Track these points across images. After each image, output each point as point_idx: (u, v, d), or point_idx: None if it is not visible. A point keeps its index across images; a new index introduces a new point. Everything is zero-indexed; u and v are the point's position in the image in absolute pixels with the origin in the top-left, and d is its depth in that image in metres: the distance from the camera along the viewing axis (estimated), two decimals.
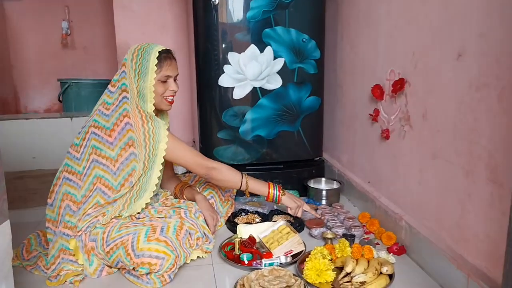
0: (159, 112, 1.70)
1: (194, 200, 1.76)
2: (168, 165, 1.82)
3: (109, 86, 1.59)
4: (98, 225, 1.44)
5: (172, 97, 1.63)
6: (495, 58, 1.14)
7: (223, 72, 2.06)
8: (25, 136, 2.78)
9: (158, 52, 1.54)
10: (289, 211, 1.80)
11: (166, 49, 1.59)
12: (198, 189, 1.87)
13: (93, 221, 1.44)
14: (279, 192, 1.76)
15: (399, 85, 1.62)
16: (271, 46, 2.06)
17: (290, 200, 1.77)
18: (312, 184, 2.18)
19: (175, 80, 1.62)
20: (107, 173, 1.49)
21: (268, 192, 1.74)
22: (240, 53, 2.05)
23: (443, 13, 1.36)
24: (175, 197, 1.83)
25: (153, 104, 1.57)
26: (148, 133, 1.50)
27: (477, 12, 1.20)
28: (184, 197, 1.80)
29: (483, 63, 1.18)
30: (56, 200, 1.53)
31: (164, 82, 1.58)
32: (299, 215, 1.80)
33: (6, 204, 0.93)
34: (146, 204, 1.57)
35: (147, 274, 1.34)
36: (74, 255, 1.45)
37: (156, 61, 1.52)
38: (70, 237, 1.46)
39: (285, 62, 2.10)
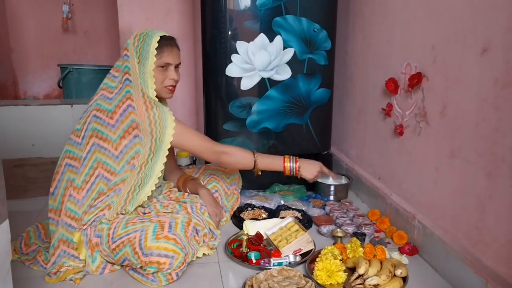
0: (159, 100, 1.65)
1: (197, 194, 1.70)
2: (171, 156, 1.76)
3: (111, 71, 1.54)
4: (104, 219, 1.38)
5: (172, 86, 1.56)
6: None
7: (231, 61, 1.98)
8: (24, 123, 2.72)
9: (160, 37, 1.49)
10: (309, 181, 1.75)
11: (169, 36, 1.54)
12: (202, 182, 1.81)
13: (100, 215, 1.39)
14: (296, 164, 1.68)
15: (416, 80, 1.56)
16: (281, 35, 1.99)
17: (307, 171, 1.70)
18: (320, 179, 2.12)
19: (177, 69, 1.56)
20: (108, 158, 1.44)
21: (284, 167, 1.67)
22: (248, 42, 1.97)
23: (467, 4, 1.29)
24: (179, 190, 1.77)
25: (156, 91, 1.52)
26: (154, 118, 1.45)
27: (506, 3, 1.13)
28: (187, 191, 1.74)
29: (511, 59, 1.12)
30: (59, 188, 1.47)
31: (163, 69, 1.52)
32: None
33: (5, 205, 0.87)
34: (149, 196, 1.51)
35: (154, 273, 1.29)
36: (76, 248, 1.39)
37: (157, 45, 1.47)
38: (75, 229, 1.40)
39: (295, 52, 2.02)
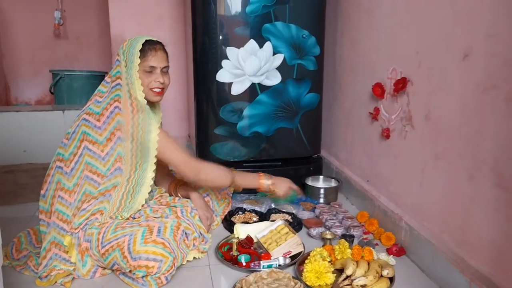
0: (150, 104, 1.67)
1: (189, 198, 1.72)
2: (161, 162, 1.78)
3: (106, 77, 1.58)
4: (96, 223, 1.40)
5: (159, 89, 1.57)
6: (504, 60, 1.11)
7: (221, 67, 2.01)
8: (16, 129, 2.71)
9: (146, 41, 1.53)
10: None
11: (155, 40, 1.57)
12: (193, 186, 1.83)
13: (91, 219, 1.40)
14: (270, 181, 1.75)
15: (401, 84, 1.59)
16: (270, 41, 2.02)
17: (280, 188, 1.78)
18: (310, 182, 2.16)
19: (164, 72, 1.58)
20: (95, 160, 1.46)
21: (260, 183, 1.74)
22: (239, 48, 2.00)
23: (449, 12, 1.33)
24: (170, 195, 1.79)
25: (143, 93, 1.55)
26: (138, 121, 1.47)
27: (486, 12, 1.17)
28: (179, 195, 1.76)
29: (491, 64, 1.16)
30: (49, 190, 1.49)
31: (149, 72, 1.55)
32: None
33: None
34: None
35: (144, 277, 1.30)
36: (67, 251, 1.41)
37: (139, 51, 1.50)
38: (66, 232, 1.42)
39: (284, 58, 2.06)
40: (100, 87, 1.57)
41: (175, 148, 1.56)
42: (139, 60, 1.50)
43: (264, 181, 1.75)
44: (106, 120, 1.47)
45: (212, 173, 1.62)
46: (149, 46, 1.54)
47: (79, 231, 1.40)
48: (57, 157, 1.52)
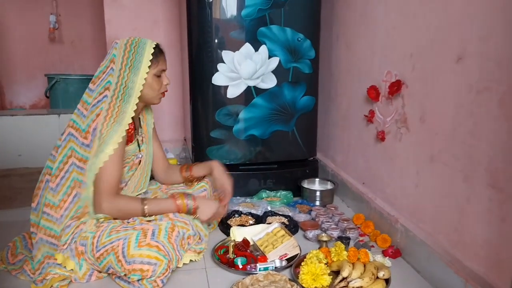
0: (146, 107, 1.71)
1: (208, 173, 1.80)
2: (158, 157, 1.80)
3: (90, 84, 1.53)
4: (83, 233, 1.38)
5: (165, 91, 1.62)
6: (497, 62, 1.12)
7: (217, 70, 2.02)
8: (11, 133, 2.71)
9: (153, 47, 1.52)
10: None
11: (157, 43, 1.57)
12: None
13: (77, 232, 1.39)
14: (194, 203, 1.56)
15: (396, 87, 1.61)
16: (266, 45, 2.03)
17: (203, 213, 1.58)
18: (306, 184, 2.16)
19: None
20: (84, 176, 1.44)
21: (177, 207, 1.53)
22: (234, 52, 2.01)
23: (443, 14, 1.35)
24: (188, 181, 1.81)
25: (146, 99, 1.56)
26: (105, 130, 1.42)
27: (479, 15, 1.18)
28: (193, 177, 1.80)
29: (484, 67, 1.17)
30: (39, 204, 1.48)
31: (159, 77, 1.56)
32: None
33: None
34: None
35: (139, 280, 1.30)
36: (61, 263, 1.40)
37: (151, 56, 1.49)
38: (56, 247, 1.41)
39: (280, 61, 2.06)
40: (84, 96, 1.52)
41: (113, 171, 1.44)
42: (149, 64, 1.49)
43: (181, 202, 1.53)
44: (93, 138, 1.43)
45: (124, 209, 1.46)
46: (160, 52, 1.54)
47: (67, 246, 1.38)
48: (46, 170, 1.50)
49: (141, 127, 1.70)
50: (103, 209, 1.42)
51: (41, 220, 1.44)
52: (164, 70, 1.57)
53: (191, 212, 1.55)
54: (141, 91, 1.49)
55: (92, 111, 1.46)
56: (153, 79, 1.53)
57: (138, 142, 1.65)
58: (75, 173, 1.44)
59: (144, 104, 1.63)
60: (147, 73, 1.49)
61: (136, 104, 1.50)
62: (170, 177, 1.83)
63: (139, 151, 1.66)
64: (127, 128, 1.47)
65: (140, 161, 1.67)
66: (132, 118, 1.53)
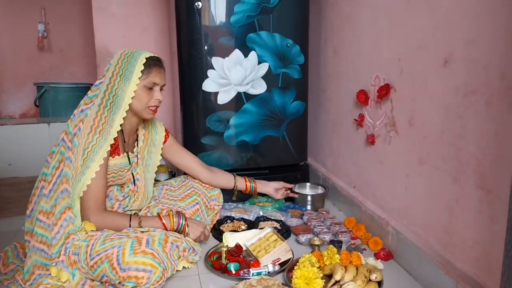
0: (152, 124, 1.72)
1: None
2: (194, 163, 1.85)
3: (89, 91, 1.55)
4: (76, 242, 1.37)
5: (156, 107, 1.56)
6: (483, 66, 1.14)
7: (207, 77, 2.03)
8: (0, 143, 2.69)
9: (147, 58, 1.50)
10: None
11: (156, 56, 1.55)
12: (182, 193, 1.82)
13: (68, 242, 1.37)
14: (185, 221, 1.58)
15: (384, 91, 1.62)
16: (255, 51, 2.04)
17: (191, 232, 1.60)
18: (297, 189, 2.17)
19: (161, 89, 1.57)
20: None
21: (163, 224, 1.54)
22: (224, 58, 2.02)
23: (429, 19, 1.37)
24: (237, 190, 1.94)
25: (135, 112, 1.53)
26: (89, 144, 1.41)
27: (465, 19, 1.21)
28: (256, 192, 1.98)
29: (471, 70, 1.19)
30: (34, 211, 1.47)
31: (150, 89, 1.53)
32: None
33: None
34: None
35: None
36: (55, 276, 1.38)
37: (143, 67, 1.48)
38: (47, 255, 1.40)
39: (269, 67, 2.08)
40: (81, 102, 1.53)
41: (100, 187, 1.45)
42: (140, 74, 1.47)
43: (169, 221, 1.55)
44: (71, 146, 1.44)
45: (112, 225, 1.47)
46: (154, 62, 1.52)
47: (61, 258, 1.37)
48: (41, 177, 1.50)
49: (137, 145, 1.67)
50: (98, 223, 1.44)
51: (35, 227, 1.43)
52: (156, 84, 1.52)
53: (181, 230, 1.57)
54: (130, 103, 1.48)
55: (79, 116, 1.46)
56: (142, 91, 1.50)
57: (128, 158, 1.61)
58: (64, 178, 1.43)
59: (140, 119, 1.60)
60: (137, 84, 1.48)
61: (127, 117, 1.50)
62: (216, 180, 1.88)
63: (129, 169, 1.61)
64: (112, 142, 1.46)
65: (136, 185, 1.65)
66: (122, 131, 1.54)
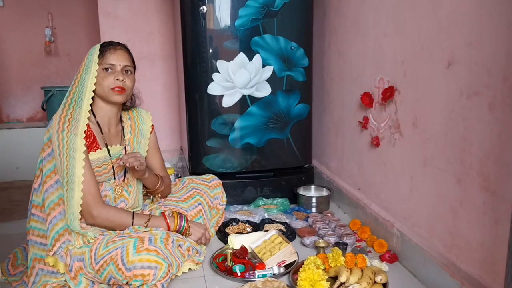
0: (139, 115, 1.70)
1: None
2: (154, 170, 1.77)
3: None
4: (70, 246, 1.39)
5: (119, 88, 1.50)
6: (486, 68, 1.15)
7: (212, 80, 2.04)
8: (8, 146, 2.72)
9: (101, 44, 1.52)
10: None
11: (115, 42, 1.56)
12: (184, 194, 1.82)
13: (64, 242, 1.39)
14: (187, 223, 1.60)
15: (388, 93, 1.63)
16: (259, 54, 2.05)
17: (193, 234, 1.61)
18: (302, 191, 2.18)
19: (127, 72, 1.54)
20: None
21: (167, 224, 1.56)
22: (229, 61, 2.03)
23: (432, 21, 1.37)
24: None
25: (102, 97, 1.52)
26: (62, 141, 1.41)
27: (467, 21, 1.21)
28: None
29: (474, 72, 1.19)
30: (29, 209, 1.50)
31: (109, 72, 1.51)
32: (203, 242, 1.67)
33: None
34: None
35: (140, 286, 1.30)
36: (53, 265, 1.40)
37: (98, 52, 1.49)
38: (45, 246, 1.42)
39: (274, 70, 2.09)
40: None
41: (90, 177, 1.45)
42: (97, 60, 1.48)
43: (173, 221, 1.58)
44: (45, 146, 1.48)
45: (114, 219, 1.49)
46: (108, 45, 1.53)
47: (59, 250, 1.39)
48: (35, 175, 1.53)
49: (124, 137, 1.65)
50: (95, 218, 1.44)
51: (31, 221, 1.46)
52: (112, 64, 1.50)
53: (183, 231, 1.58)
54: (94, 89, 1.47)
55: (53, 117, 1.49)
56: (102, 74, 1.49)
57: (108, 151, 1.56)
58: (53, 173, 1.45)
59: (115, 107, 1.58)
60: (96, 70, 1.47)
61: (99, 106, 1.53)
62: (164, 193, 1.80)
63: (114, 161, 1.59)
64: (84, 136, 1.44)
65: (126, 176, 1.64)
66: (99, 124, 1.53)
